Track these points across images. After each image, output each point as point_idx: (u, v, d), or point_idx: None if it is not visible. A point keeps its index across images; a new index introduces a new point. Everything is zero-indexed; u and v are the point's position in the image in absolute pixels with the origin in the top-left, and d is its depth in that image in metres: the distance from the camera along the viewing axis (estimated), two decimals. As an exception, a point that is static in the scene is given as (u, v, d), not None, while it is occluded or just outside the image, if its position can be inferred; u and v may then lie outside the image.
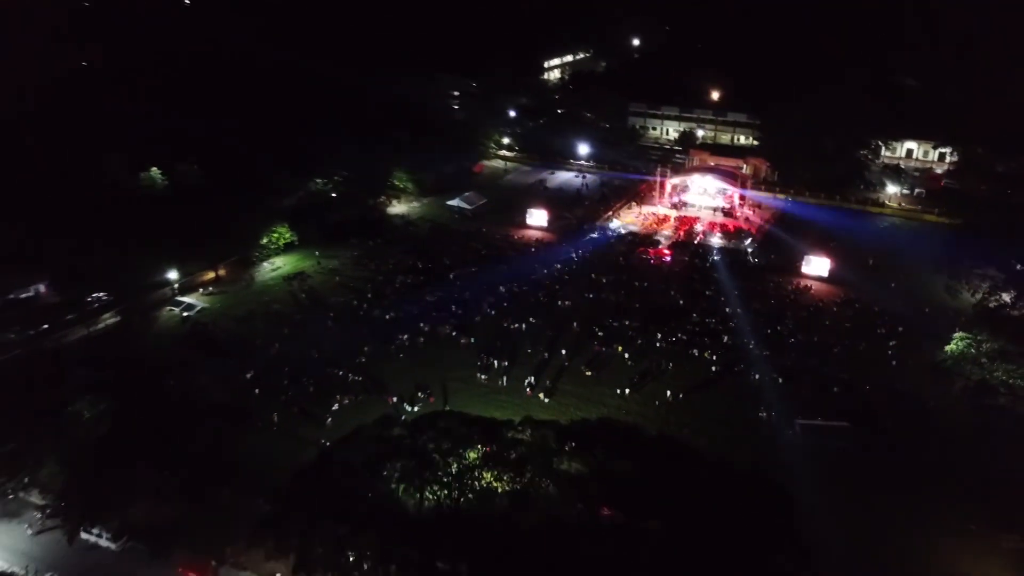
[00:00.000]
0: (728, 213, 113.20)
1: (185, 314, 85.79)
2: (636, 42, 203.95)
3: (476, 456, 54.36)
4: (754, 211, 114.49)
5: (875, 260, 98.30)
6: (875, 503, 57.51)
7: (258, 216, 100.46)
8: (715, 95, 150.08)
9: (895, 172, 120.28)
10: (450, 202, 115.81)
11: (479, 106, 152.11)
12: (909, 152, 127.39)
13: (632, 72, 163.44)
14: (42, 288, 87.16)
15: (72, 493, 56.07)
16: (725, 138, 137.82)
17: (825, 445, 64.38)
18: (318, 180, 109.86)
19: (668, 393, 71.12)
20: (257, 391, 71.00)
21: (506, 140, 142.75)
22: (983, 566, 51.86)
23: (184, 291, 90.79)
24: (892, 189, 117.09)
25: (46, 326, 78.72)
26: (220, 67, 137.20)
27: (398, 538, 48.02)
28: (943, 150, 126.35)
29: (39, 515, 57.14)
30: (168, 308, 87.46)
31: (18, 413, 58.82)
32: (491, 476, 51.97)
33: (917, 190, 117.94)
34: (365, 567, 47.59)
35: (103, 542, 54.91)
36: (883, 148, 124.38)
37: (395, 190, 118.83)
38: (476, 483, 50.79)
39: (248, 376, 73.15)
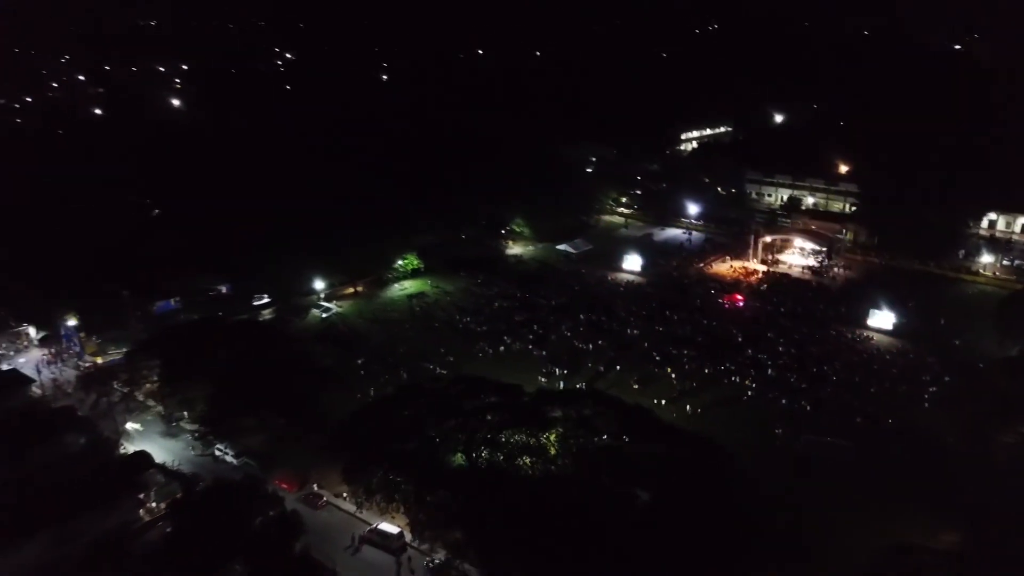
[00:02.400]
0: (817, 272, 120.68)
1: (324, 315, 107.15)
2: (779, 118, 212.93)
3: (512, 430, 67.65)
4: (843, 271, 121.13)
5: (947, 320, 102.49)
6: (838, 498, 65.44)
7: (396, 246, 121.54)
8: (843, 168, 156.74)
9: (993, 242, 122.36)
10: (559, 246, 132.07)
11: (610, 169, 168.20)
12: (992, 223, 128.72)
13: (760, 143, 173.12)
14: (223, 289, 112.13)
15: (211, 423, 76.15)
16: (837, 206, 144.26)
17: (822, 456, 72.74)
18: (447, 220, 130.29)
19: (688, 407, 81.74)
20: (362, 372, 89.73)
21: (624, 199, 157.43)
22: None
23: (328, 299, 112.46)
24: (988, 259, 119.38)
25: (220, 313, 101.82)
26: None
27: (432, 484, 61.43)
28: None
29: (190, 436, 77.99)
30: (313, 310, 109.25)
31: (189, 361, 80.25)
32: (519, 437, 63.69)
33: (1017, 261, 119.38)
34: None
35: (228, 457, 74.23)
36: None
37: (514, 234, 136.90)
38: (507, 442, 62.36)
39: (359, 362, 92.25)
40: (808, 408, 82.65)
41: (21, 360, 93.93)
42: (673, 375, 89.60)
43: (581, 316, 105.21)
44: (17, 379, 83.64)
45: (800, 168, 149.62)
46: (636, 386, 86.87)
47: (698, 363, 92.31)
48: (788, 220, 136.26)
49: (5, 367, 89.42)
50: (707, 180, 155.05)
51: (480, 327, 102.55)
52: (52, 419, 74.69)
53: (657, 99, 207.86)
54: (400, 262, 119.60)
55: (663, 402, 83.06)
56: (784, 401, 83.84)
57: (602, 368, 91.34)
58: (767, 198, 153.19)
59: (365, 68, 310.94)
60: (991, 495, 62.72)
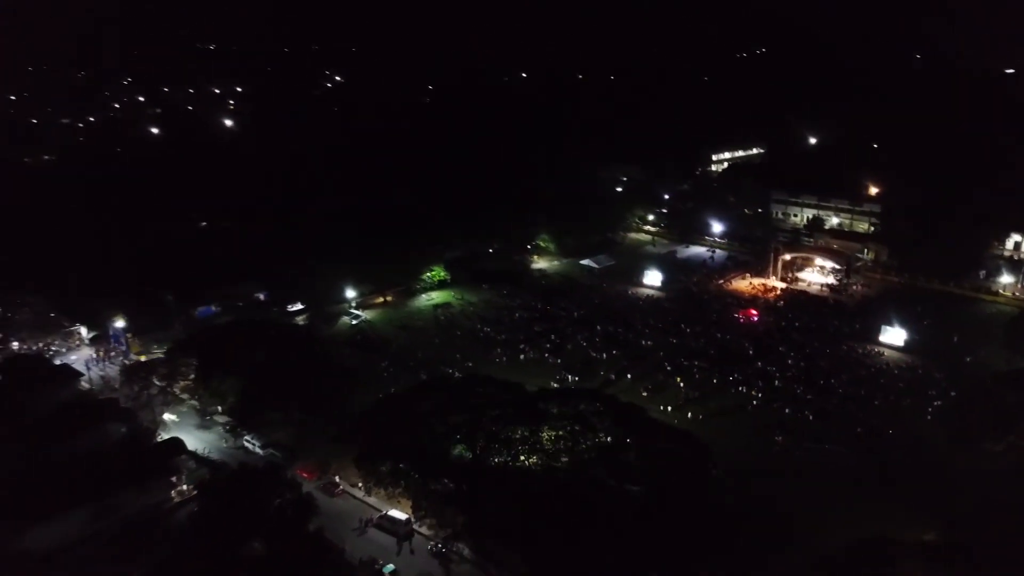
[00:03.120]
0: (835, 290, 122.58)
1: (353, 322, 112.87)
2: (813, 140, 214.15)
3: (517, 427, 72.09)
4: (862, 289, 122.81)
5: (960, 338, 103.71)
6: (827, 498, 68.30)
7: (425, 259, 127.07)
8: (873, 189, 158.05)
9: (1014, 263, 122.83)
10: (582, 261, 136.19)
11: (641, 189, 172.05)
12: (1017, 244, 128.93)
13: (789, 164, 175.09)
14: (261, 296, 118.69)
15: (240, 416, 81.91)
16: (862, 226, 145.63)
17: (817, 462, 75.44)
18: (474, 235, 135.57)
19: (689, 413, 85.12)
20: (385, 374, 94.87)
21: (651, 217, 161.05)
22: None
23: (359, 307, 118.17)
24: (1008, 279, 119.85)
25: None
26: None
27: (434, 473, 66.07)
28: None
29: (222, 428, 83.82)
30: (344, 317, 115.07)
31: (222, 359, 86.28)
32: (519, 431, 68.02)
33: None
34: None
35: (255, 448, 79.74)
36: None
37: (539, 250, 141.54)
38: (506, 436, 66.60)
39: (383, 364, 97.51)
40: (811, 418, 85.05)
41: (72, 357, 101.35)
42: (682, 384, 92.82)
43: (598, 327, 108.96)
44: (68, 373, 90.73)
45: (827, 189, 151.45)
46: (645, 393, 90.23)
47: (707, 373, 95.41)
48: (810, 239, 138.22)
49: (58, 362, 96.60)
50: (733, 200, 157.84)
51: (499, 336, 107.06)
52: (97, 409, 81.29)
53: (693, 121, 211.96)
54: (428, 274, 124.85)
55: (669, 408, 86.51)
56: (787, 411, 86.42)
57: (613, 376, 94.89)
58: (793, 218, 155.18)
59: (409, 90, 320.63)
60: (976, 497, 65.24)
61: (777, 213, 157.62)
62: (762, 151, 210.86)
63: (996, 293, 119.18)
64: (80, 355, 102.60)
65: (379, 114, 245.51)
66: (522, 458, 62.27)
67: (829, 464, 75.20)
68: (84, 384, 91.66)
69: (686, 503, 58.21)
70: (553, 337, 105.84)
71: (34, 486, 66.07)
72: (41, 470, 68.92)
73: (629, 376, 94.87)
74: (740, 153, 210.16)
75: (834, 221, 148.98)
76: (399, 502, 67.36)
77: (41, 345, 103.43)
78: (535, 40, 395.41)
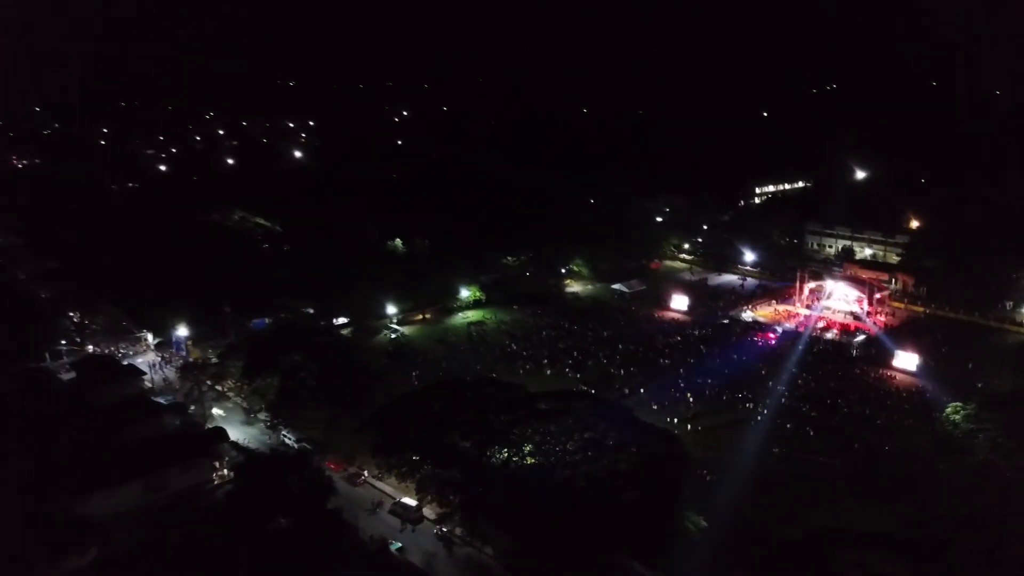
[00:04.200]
0: (858, 317, 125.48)
1: (392, 336, 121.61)
2: (860, 175, 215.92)
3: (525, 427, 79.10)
4: (886, 317, 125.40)
5: (975, 364, 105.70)
6: (802, 500, 72.72)
7: (464, 280, 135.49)
8: (914, 223, 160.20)
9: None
10: (613, 285, 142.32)
11: (682, 219, 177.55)
12: None
13: (828, 197, 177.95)
14: (311, 311, 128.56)
15: (278, 413, 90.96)
16: (894, 258, 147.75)
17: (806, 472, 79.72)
18: (510, 258, 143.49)
19: (689, 425, 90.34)
20: (416, 383, 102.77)
21: (686, 245, 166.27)
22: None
23: (400, 323, 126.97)
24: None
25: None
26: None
27: (439, 463, 73.13)
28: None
29: (264, 425, 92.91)
30: (384, 331, 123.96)
31: (264, 361, 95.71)
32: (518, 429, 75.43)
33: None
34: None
35: (290, 441, 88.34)
36: None
37: (573, 274, 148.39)
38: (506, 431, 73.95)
39: (414, 373, 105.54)
40: (811, 433, 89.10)
41: (139, 360, 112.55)
42: (691, 398, 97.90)
43: (619, 346, 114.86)
44: (134, 371, 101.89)
45: (861, 220, 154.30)
46: (655, 407, 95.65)
47: (718, 390, 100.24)
48: (839, 269, 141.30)
49: (126, 363, 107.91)
50: (769, 230, 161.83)
51: (525, 351, 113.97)
52: (155, 403, 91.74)
53: (741, 155, 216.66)
54: (465, 294, 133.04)
55: (675, 420, 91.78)
56: (789, 426, 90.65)
57: (627, 391, 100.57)
58: (827, 249, 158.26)
59: (470, 123, 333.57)
60: (949, 501, 69.29)
61: (812, 244, 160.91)
62: (808, 184, 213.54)
63: (1021, 324, 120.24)
64: (146, 358, 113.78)
65: (434, 145, 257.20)
66: (514, 449, 69.13)
67: (817, 474, 79.32)
68: (147, 383, 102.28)
69: (659, 493, 63.77)
70: (575, 354, 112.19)
71: (96, 463, 76.05)
72: (103, 451, 78.98)
73: (642, 391, 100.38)
74: (786, 186, 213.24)
75: (867, 252, 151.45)
76: (412, 491, 74.75)
77: (112, 348, 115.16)
78: (588, 72, 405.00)
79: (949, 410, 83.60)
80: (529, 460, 68.76)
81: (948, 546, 56.27)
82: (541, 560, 62.32)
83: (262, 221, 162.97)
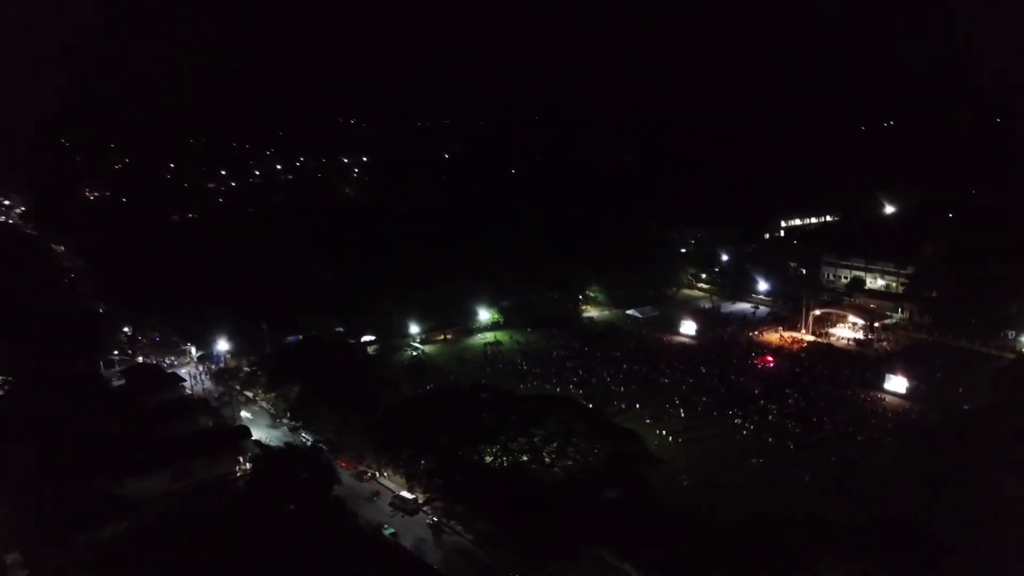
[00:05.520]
0: (861, 344, 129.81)
1: (413, 353, 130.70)
2: (890, 209, 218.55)
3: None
4: (888, 344, 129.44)
5: (965, 389, 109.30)
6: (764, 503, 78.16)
7: (483, 302, 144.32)
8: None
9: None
10: (628, 311, 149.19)
11: (705, 250, 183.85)
12: None
13: (847, 230, 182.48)
14: (341, 329, 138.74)
15: (298, 417, 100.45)
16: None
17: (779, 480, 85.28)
18: (529, 283, 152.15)
19: (670, 437, 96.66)
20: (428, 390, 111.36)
21: (704, 275, 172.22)
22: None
23: (423, 342, 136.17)
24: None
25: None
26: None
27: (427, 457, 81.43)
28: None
29: (287, 428, 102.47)
30: (407, 348, 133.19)
31: (289, 371, 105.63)
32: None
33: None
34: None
35: (308, 441, 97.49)
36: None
37: (590, 300, 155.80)
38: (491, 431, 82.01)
39: (428, 387, 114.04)
40: (791, 447, 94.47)
41: (182, 370, 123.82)
42: (683, 414, 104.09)
43: (624, 366, 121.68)
44: (175, 379, 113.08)
45: (874, 252, 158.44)
46: (648, 421, 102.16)
47: (710, 407, 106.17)
48: (850, 298, 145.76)
49: (169, 372, 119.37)
50: (787, 261, 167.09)
51: (535, 369, 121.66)
52: (192, 405, 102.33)
53: (771, 188, 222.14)
54: (485, 316, 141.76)
55: (664, 432, 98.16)
56: (770, 440, 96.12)
57: (623, 406, 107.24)
58: (842, 280, 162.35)
59: (512, 159, 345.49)
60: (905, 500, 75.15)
61: (828, 275, 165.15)
62: (836, 218, 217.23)
63: (1019, 352, 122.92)
64: (188, 369, 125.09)
65: (478, 182, 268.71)
66: (497, 445, 77.02)
67: (789, 482, 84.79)
68: (187, 389, 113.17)
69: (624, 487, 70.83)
70: (580, 372, 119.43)
71: (135, 455, 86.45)
72: (142, 444, 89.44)
73: (638, 406, 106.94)
74: (813, 220, 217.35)
75: (880, 283, 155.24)
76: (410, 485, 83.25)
77: (159, 359, 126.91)
78: (624, 105, 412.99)
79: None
80: (511, 456, 76.17)
81: (871, 534, 61.85)
82: (520, 548, 69.85)
83: (298, 246, 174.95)
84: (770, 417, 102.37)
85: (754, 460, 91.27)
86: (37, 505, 75.68)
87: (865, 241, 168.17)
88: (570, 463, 74.46)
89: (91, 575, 66.86)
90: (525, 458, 75.78)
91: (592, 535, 69.84)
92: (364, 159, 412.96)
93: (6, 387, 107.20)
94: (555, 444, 75.21)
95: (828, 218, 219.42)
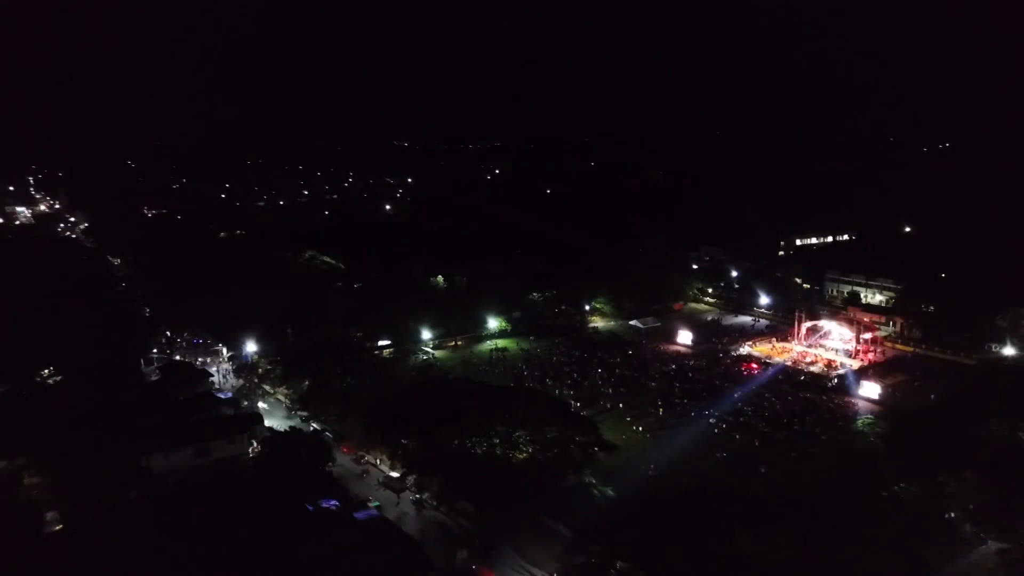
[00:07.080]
0: (851, 355, 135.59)
1: (424, 357, 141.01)
2: (907, 229, 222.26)
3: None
4: (874, 355, 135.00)
5: (936, 396, 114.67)
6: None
7: (493, 312, 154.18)
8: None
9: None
10: (631, 321, 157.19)
11: (713, 266, 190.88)
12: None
13: (853, 248, 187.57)
14: (359, 334, 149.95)
15: (307, 408, 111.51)
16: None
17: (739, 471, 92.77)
18: (536, 294, 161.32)
19: (646, 432, 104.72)
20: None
21: (710, 289, 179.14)
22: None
23: (435, 348, 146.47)
24: (1010, 351, 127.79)
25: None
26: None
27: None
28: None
29: (300, 419, 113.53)
30: (417, 353, 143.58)
31: (302, 366, 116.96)
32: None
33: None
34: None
35: (316, 428, 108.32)
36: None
37: (597, 311, 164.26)
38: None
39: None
40: (757, 443, 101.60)
41: (212, 369, 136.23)
42: (662, 412, 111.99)
43: (616, 371, 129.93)
44: (204, 374, 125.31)
45: (874, 268, 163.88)
46: (628, 419, 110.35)
47: (688, 408, 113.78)
48: (844, 311, 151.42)
49: (200, 368, 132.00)
50: (793, 277, 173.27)
51: (534, 372, 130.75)
52: (216, 397, 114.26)
53: (788, 208, 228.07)
54: (494, 324, 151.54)
55: (641, 428, 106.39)
56: (737, 437, 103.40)
57: (608, 405, 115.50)
58: (845, 295, 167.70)
59: (544, 182, 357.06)
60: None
61: (832, 290, 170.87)
62: (851, 237, 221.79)
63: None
64: (218, 367, 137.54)
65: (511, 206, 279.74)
66: (470, 429, 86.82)
67: (744, 472, 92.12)
68: (215, 384, 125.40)
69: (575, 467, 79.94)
70: (575, 376, 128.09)
71: (163, 436, 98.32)
72: (170, 428, 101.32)
73: (621, 405, 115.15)
74: (829, 239, 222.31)
75: (878, 298, 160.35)
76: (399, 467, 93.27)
77: (193, 359, 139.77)
78: (649, 126, 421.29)
79: (859, 422, 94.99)
80: (481, 438, 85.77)
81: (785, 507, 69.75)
82: (485, 517, 79.37)
83: (328, 259, 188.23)
84: (742, 419, 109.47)
85: (719, 454, 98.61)
86: (74, 473, 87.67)
87: (871, 258, 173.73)
88: (531, 446, 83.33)
89: (115, 529, 78.19)
90: (496, 440, 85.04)
91: (541, 506, 78.78)
92: (409, 180, 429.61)
93: (59, 376, 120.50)
94: (517, 429, 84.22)
95: (845, 237, 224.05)
